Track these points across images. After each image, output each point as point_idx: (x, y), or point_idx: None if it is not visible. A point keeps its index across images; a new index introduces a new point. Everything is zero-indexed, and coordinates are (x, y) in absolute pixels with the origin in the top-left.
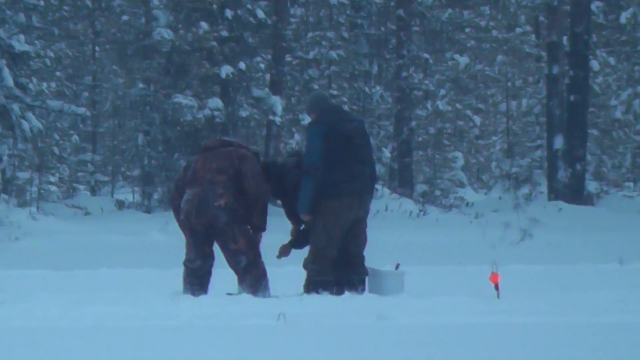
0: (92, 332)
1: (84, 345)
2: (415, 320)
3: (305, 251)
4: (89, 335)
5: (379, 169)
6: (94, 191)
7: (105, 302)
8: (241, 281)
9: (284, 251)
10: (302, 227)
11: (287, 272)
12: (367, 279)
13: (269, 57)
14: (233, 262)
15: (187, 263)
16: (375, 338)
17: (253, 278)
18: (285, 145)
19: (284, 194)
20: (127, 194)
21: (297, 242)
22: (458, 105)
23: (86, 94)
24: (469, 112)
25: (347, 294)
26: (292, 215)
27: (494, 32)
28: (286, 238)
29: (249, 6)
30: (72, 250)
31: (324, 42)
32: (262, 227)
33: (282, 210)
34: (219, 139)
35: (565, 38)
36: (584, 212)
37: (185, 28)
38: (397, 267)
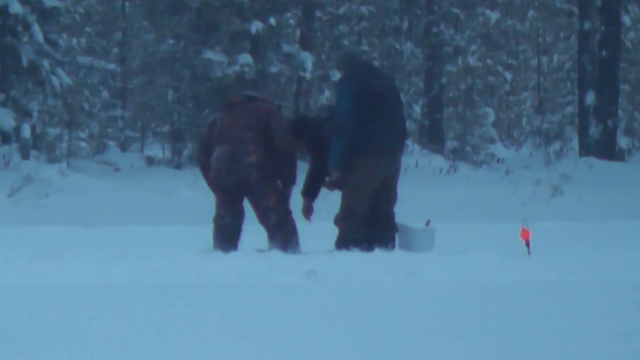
0: (122, 289)
1: (115, 301)
2: (446, 277)
3: (335, 207)
4: (119, 292)
5: (410, 125)
6: (123, 147)
7: (135, 259)
8: (271, 238)
9: (308, 210)
10: (308, 169)
11: (317, 228)
12: (397, 236)
13: (299, 13)
14: (263, 219)
15: (218, 220)
16: (406, 295)
17: (283, 235)
18: (315, 101)
19: (318, 147)
20: (156, 151)
21: (309, 190)
22: (489, 61)
23: (116, 50)
24: (499, 68)
25: (377, 250)
26: (324, 169)
27: None
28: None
29: None
30: (102, 207)
31: None
32: (292, 181)
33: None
34: (242, 94)
35: None
36: (615, 169)
37: None
38: (427, 223)
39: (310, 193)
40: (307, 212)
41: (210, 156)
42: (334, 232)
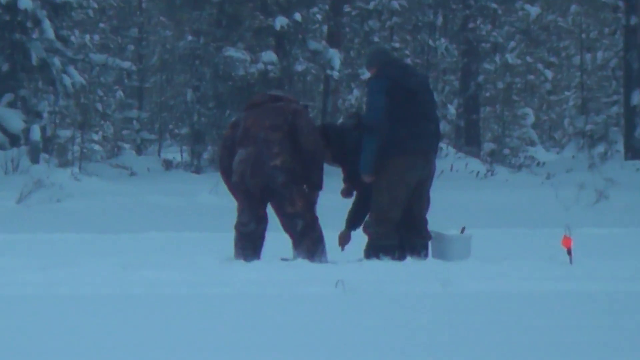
0: (140, 300)
1: (132, 313)
2: (483, 287)
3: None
4: (136, 302)
5: (444, 126)
6: (139, 150)
7: (153, 267)
8: (297, 245)
9: (345, 238)
10: (354, 199)
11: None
12: (430, 244)
13: (327, 7)
14: (289, 226)
15: (240, 226)
16: (441, 306)
17: (310, 242)
18: (343, 101)
19: (343, 157)
20: (175, 153)
21: (353, 222)
22: (529, 59)
23: (132, 47)
24: (540, 65)
25: (409, 259)
26: (352, 178)
27: None
28: (343, 200)
29: None
30: (117, 212)
31: None
32: (319, 185)
33: (337, 170)
34: (267, 94)
35: None
36: None
37: None
38: (462, 230)
39: (353, 226)
40: (344, 240)
41: (232, 159)
42: (363, 239)
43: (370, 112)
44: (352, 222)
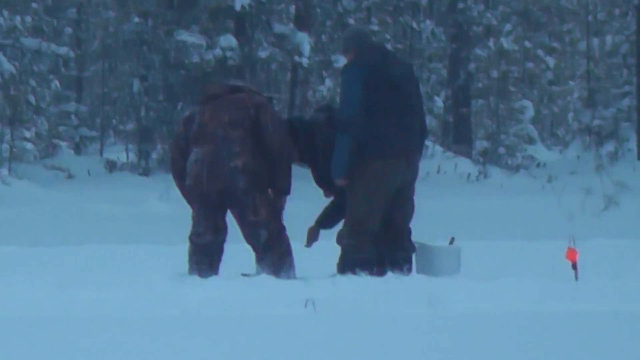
0: (79, 323)
1: (70, 338)
2: (474, 307)
3: (338, 225)
4: (76, 326)
5: (430, 121)
6: (78, 149)
7: (94, 286)
8: (261, 259)
9: (313, 234)
10: (333, 197)
11: (316, 248)
12: (414, 257)
13: None
14: (251, 236)
15: (195, 238)
16: (425, 328)
17: (275, 255)
18: (314, 93)
19: (313, 157)
20: (119, 153)
21: (325, 220)
22: (527, 44)
23: (69, 30)
24: (540, 52)
25: (390, 274)
26: (323, 182)
27: None
28: (313, 206)
29: None
30: (52, 221)
31: None
32: (286, 190)
33: (307, 173)
34: (225, 84)
35: None
36: None
37: None
38: (451, 241)
39: (325, 224)
40: (312, 236)
41: (186, 160)
42: (337, 251)
43: (344, 105)
44: (324, 220)
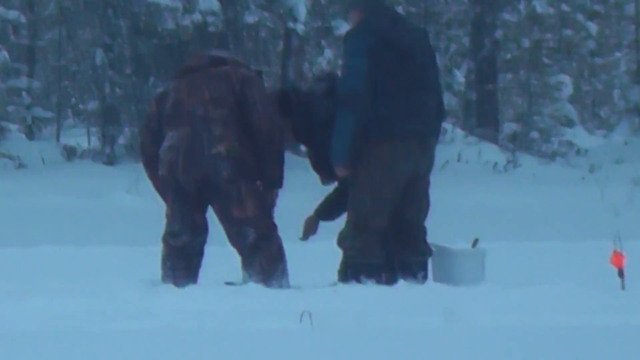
0: (33, 338)
1: (22, 355)
2: (501, 321)
3: (340, 222)
4: (29, 341)
5: (449, 100)
6: (31, 133)
7: (50, 294)
8: (248, 264)
9: (310, 226)
10: (336, 186)
11: (314, 249)
12: (430, 261)
13: None
14: (237, 237)
15: (169, 238)
16: (443, 347)
17: (265, 259)
18: (311, 65)
19: (310, 136)
20: (80, 137)
21: (326, 210)
22: (564, 7)
23: None
24: (580, 16)
25: (401, 282)
26: (322, 165)
27: None
28: (310, 201)
29: None
30: (0, 219)
31: None
32: (278, 181)
33: (302, 161)
34: (206, 55)
35: None
36: None
37: None
38: (474, 243)
39: (326, 215)
40: (309, 229)
41: (159, 145)
42: (338, 255)
43: (347, 78)
44: (325, 210)
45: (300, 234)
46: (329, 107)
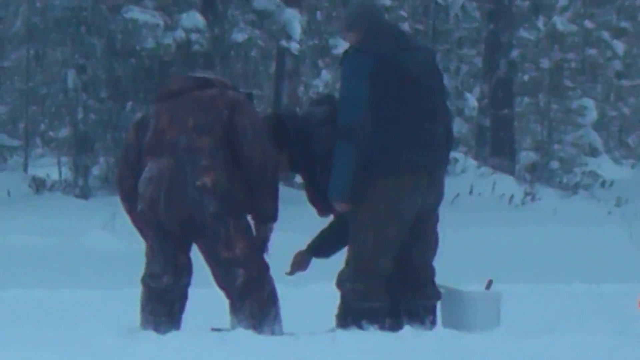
0: None
1: None
2: None
3: (339, 260)
4: None
5: (460, 127)
6: None
7: (17, 344)
8: (237, 309)
9: (300, 263)
10: (332, 220)
11: (310, 292)
12: (439, 305)
13: None
14: (224, 278)
15: (149, 280)
16: None
17: (255, 304)
18: (306, 89)
19: (308, 167)
20: (49, 168)
21: (320, 247)
22: (588, 24)
23: None
24: (605, 34)
25: (407, 329)
26: (320, 200)
27: None
28: (305, 238)
29: None
30: None
31: None
32: (271, 216)
33: (297, 195)
34: (191, 77)
35: None
36: None
37: None
38: (488, 285)
39: (319, 251)
40: (299, 264)
41: (138, 177)
42: (336, 298)
43: (346, 106)
44: (319, 246)
45: (288, 269)
46: (330, 134)
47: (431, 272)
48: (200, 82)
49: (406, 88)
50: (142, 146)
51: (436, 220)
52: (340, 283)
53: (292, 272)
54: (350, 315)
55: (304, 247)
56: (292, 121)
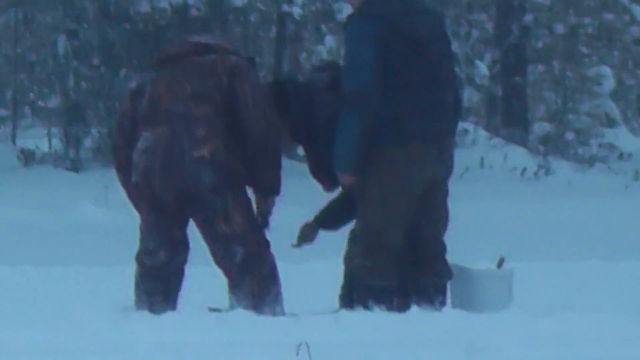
0: None
1: None
2: (530, 354)
3: (342, 236)
4: None
5: (470, 95)
6: None
7: (4, 324)
8: (235, 287)
9: (307, 234)
10: (341, 191)
11: (313, 270)
12: (449, 284)
13: None
14: (222, 255)
15: (144, 257)
16: None
17: (255, 282)
18: (308, 55)
19: (310, 136)
20: (39, 139)
21: (328, 219)
22: None
23: None
24: None
25: (415, 309)
26: (324, 172)
27: None
28: (308, 212)
29: None
30: None
31: None
32: (274, 189)
33: (300, 166)
34: (189, 42)
35: None
36: None
37: None
38: (500, 263)
39: (327, 224)
40: (306, 236)
41: (133, 147)
42: (340, 275)
43: (351, 73)
44: (326, 218)
45: (294, 241)
46: (333, 100)
47: (442, 247)
48: (200, 47)
49: (413, 53)
50: (137, 115)
51: (446, 193)
52: (348, 260)
53: (298, 245)
54: (357, 293)
55: (310, 218)
56: (294, 87)
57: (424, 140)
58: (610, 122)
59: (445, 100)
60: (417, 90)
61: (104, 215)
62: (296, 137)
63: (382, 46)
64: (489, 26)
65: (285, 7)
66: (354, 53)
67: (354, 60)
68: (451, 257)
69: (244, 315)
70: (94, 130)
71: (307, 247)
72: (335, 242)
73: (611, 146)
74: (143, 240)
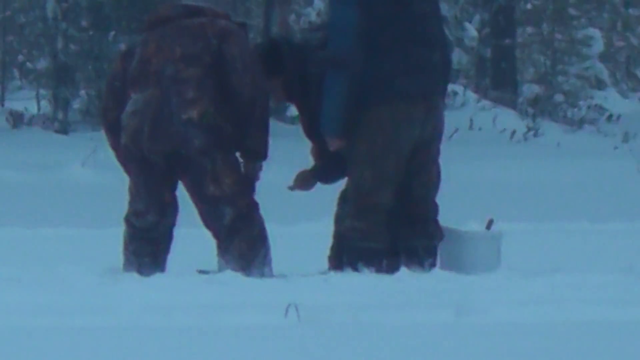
0: None
1: None
2: (519, 316)
3: (331, 197)
4: None
5: (459, 57)
6: None
7: None
8: (224, 249)
9: (304, 182)
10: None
11: (302, 232)
12: (439, 246)
13: None
14: (211, 217)
15: (133, 218)
16: (453, 344)
17: (244, 243)
18: (298, 17)
19: (304, 94)
20: (28, 102)
21: (325, 170)
22: None
23: None
24: None
25: (404, 271)
26: (315, 132)
27: None
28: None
29: None
30: None
31: None
32: (261, 152)
33: (290, 129)
34: (180, 4)
35: None
36: None
37: None
38: (489, 224)
39: (324, 176)
40: (302, 183)
41: (122, 109)
42: (329, 236)
43: (334, 33)
44: (323, 170)
45: (291, 183)
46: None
47: (433, 208)
48: (191, 10)
49: (398, 12)
50: (127, 77)
51: (437, 153)
52: (339, 221)
53: (294, 188)
54: (347, 255)
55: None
56: (288, 46)
57: (409, 98)
58: (599, 84)
59: (432, 59)
60: (402, 50)
61: (93, 176)
62: (290, 95)
63: (365, 6)
64: None
65: None
66: (336, 14)
67: (336, 22)
68: (441, 219)
69: (233, 277)
70: (82, 92)
71: (301, 193)
72: (324, 204)
73: (600, 108)
74: (132, 201)
